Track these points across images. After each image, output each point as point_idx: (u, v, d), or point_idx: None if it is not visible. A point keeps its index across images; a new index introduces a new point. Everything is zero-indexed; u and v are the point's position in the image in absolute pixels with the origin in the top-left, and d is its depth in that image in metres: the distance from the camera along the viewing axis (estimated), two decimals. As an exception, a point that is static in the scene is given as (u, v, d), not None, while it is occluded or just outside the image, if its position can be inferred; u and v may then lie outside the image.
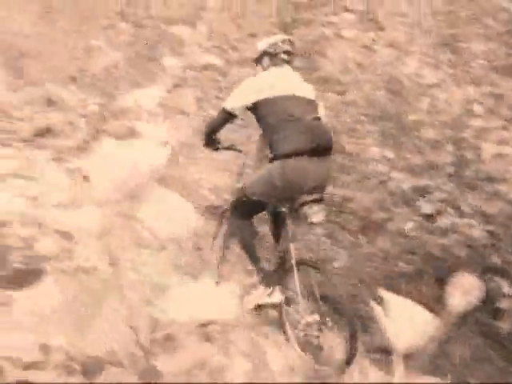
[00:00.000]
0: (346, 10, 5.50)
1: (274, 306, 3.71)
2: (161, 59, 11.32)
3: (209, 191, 7.27)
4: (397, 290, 3.94)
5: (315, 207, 3.49)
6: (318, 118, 3.65)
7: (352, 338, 3.17)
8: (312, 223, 3.52)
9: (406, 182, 3.69)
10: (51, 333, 2.16)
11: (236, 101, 3.62)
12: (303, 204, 3.48)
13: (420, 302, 3.73)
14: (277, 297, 3.67)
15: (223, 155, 7.96)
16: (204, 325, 2.69)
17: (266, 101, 3.51)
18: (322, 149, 3.48)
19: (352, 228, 4.45)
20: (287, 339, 3.62)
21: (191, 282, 2.90)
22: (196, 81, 7.96)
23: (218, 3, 8.72)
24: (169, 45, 11.28)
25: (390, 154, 3.99)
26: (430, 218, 3.58)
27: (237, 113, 3.63)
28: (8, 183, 4.55)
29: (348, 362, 3.24)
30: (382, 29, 5.14)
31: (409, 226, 3.71)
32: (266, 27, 7.17)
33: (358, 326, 3.27)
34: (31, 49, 15.35)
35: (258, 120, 3.62)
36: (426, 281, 3.80)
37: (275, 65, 3.84)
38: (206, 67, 9.50)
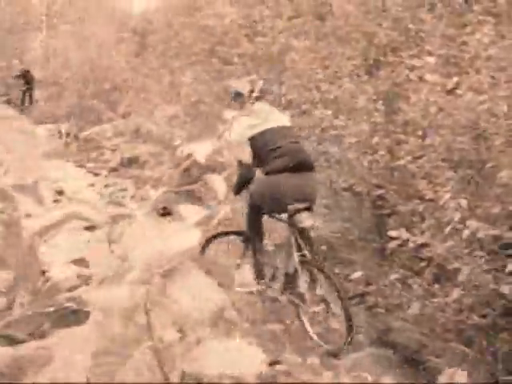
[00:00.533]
0: (430, 53, 5.45)
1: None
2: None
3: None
4: (469, 344, 3.79)
5: (305, 214, 4.16)
6: (297, 142, 4.44)
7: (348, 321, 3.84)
8: (303, 228, 4.23)
9: (482, 231, 3.59)
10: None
11: (236, 134, 4.16)
12: (296, 212, 4.15)
13: (494, 358, 3.59)
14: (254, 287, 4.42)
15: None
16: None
17: (259, 134, 4.20)
18: (302, 166, 4.24)
19: (426, 276, 4.35)
20: (307, 332, 4.23)
21: (224, 337, 2.91)
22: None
23: (302, 44, 8.85)
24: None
25: (468, 202, 3.90)
26: (505, 267, 3.45)
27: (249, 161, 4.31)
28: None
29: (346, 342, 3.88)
30: (465, 73, 5.05)
31: (485, 276, 3.59)
32: (349, 68, 7.21)
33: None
34: (123, 83, 16.16)
35: (252, 147, 4.25)
36: (502, 336, 3.64)
37: (251, 103, 4.37)
38: (289, 103, 9.65)
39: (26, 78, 20.06)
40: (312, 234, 4.65)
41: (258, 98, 4.34)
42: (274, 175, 4.14)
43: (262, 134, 4.21)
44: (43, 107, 21.09)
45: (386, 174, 5.68)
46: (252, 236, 4.50)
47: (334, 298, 4.03)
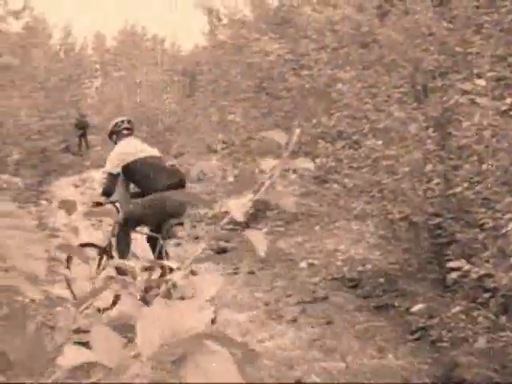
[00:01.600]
0: (479, 76, 5.32)
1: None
2: (294, 128, 11.62)
3: (342, 262, 7.20)
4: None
5: (179, 227, 5.42)
6: (172, 165, 5.69)
7: None
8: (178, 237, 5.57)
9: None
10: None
11: (115, 165, 5.42)
12: (171, 226, 5.27)
13: None
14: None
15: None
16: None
17: (134, 161, 5.35)
18: (176, 185, 5.26)
19: (491, 307, 4.16)
20: None
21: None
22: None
23: (349, 74, 8.82)
24: (303, 115, 11.58)
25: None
26: None
27: (116, 173, 5.42)
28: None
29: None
30: (519, 94, 4.90)
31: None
32: (397, 96, 7.12)
33: None
34: (175, 124, 16.51)
35: (128, 173, 5.40)
36: None
37: (121, 139, 5.68)
38: (339, 135, 9.61)
39: (81, 124, 20.81)
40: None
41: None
42: (157, 193, 5.18)
43: (138, 160, 5.38)
44: (99, 151, 21.75)
45: (442, 202, 5.52)
46: (121, 249, 5.45)
47: None
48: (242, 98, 11.69)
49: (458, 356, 4.35)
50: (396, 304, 5.73)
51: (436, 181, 5.55)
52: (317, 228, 8.77)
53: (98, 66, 32.31)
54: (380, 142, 6.21)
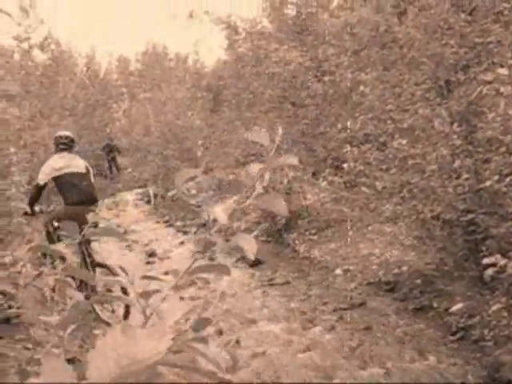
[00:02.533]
0: (501, 65, 5.20)
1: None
2: (321, 135, 11.56)
3: (378, 266, 7.10)
4: None
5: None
6: (88, 184, 6.30)
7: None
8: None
9: None
10: None
11: (43, 177, 6.15)
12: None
13: None
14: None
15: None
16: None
17: (59, 176, 6.12)
18: (87, 200, 6.07)
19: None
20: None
21: None
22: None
23: (370, 76, 8.73)
24: (329, 121, 11.51)
25: None
26: None
27: (43, 184, 6.15)
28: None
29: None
30: (545, 80, 4.77)
31: None
32: (420, 93, 7.01)
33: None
34: (203, 140, 16.58)
35: (56, 185, 6.23)
36: None
37: (56, 152, 6.42)
38: (366, 137, 9.51)
39: (110, 147, 21.11)
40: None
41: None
42: (70, 206, 6.05)
43: (63, 175, 6.15)
44: (131, 173, 22.01)
45: (473, 198, 5.40)
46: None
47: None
48: (266, 109, 11.68)
49: (502, 355, 4.23)
50: (435, 305, 5.61)
51: (465, 176, 5.43)
52: (350, 233, 8.67)
53: (124, 90, 32.77)
54: (405, 142, 6.11)
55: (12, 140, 10.07)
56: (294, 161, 1.11)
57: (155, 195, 16.69)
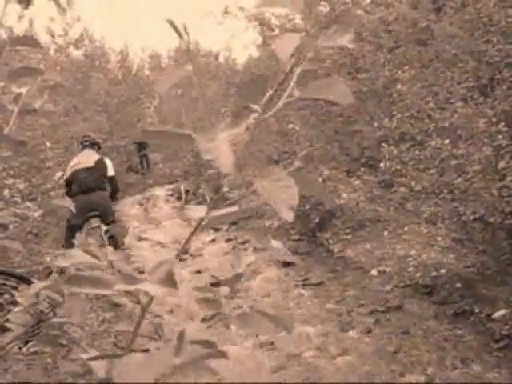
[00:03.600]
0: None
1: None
2: (355, 134, 11.41)
3: (414, 268, 6.94)
4: None
5: (94, 220, 7.10)
6: (92, 177, 7.17)
7: None
8: (93, 227, 7.09)
9: None
10: None
11: (66, 174, 7.34)
12: (89, 218, 7.09)
13: None
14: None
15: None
16: None
17: (73, 171, 7.25)
18: (87, 190, 7.07)
19: None
20: None
21: None
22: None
23: (408, 73, 8.55)
24: (363, 119, 11.35)
25: None
26: None
27: (67, 179, 7.29)
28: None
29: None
30: None
31: None
32: (461, 92, 6.84)
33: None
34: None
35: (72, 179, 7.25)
36: None
37: (81, 150, 7.70)
38: (402, 136, 9.33)
39: (141, 143, 21.20)
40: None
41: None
42: (76, 195, 6.89)
43: (75, 171, 7.22)
44: (162, 169, 22.09)
45: (519, 200, 5.22)
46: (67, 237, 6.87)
47: None
48: (299, 106, 11.56)
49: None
50: (476, 310, 5.44)
51: (510, 178, 5.25)
52: (385, 234, 8.49)
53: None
54: (447, 141, 5.94)
55: (47, 135, 10.17)
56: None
57: (186, 191, 16.70)
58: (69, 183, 7.27)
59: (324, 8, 14.40)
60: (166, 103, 29.75)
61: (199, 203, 15.18)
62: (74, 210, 6.34)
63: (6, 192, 4.41)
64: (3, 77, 1.36)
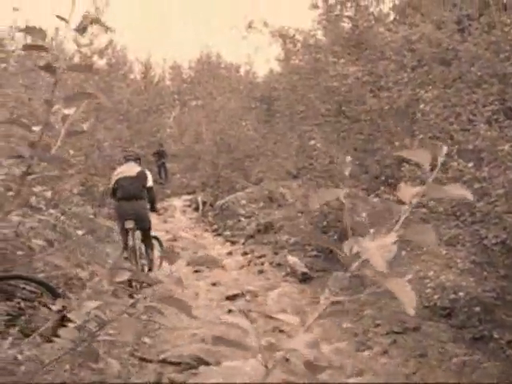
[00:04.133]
0: None
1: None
2: (376, 152, 11.38)
3: (432, 290, 6.88)
4: None
5: (130, 222, 7.58)
6: (135, 185, 7.82)
7: None
8: (128, 229, 7.56)
9: None
10: None
11: (112, 182, 8.05)
12: (128, 222, 7.61)
13: None
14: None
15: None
16: None
17: (117, 179, 7.88)
18: (131, 195, 7.71)
19: None
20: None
21: None
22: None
23: (430, 93, 8.55)
24: (384, 137, 11.33)
25: None
26: None
27: (112, 186, 8.01)
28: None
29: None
30: None
31: None
32: (486, 115, 6.82)
33: None
34: (254, 151, 16.57)
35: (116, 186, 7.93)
36: None
37: (123, 163, 8.34)
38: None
39: (160, 153, 21.33)
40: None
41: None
42: (118, 201, 7.79)
43: (119, 178, 7.86)
44: (180, 179, 22.19)
45: (542, 226, 5.18)
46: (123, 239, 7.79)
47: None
48: (320, 122, 11.59)
49: None
50: (495, 336, 5.38)
51: (535, 203, 5.22)
52: (403, 253, 8.45)
53: (176, 96, 33.16)
54: (470, 164, 5.91)
55: (70, 142, 10.27)
56: (467, 194, 0.97)
57: (204, 203, 16.76)
58: (114, 190, 7.97)
59: (346, 24, 14.46)
60: (185, 114, 29.94)
61: (216, 215, 15.23)
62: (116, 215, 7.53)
63: (33, 199, 4.48)
64: (58, 100, 1.40)
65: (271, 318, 6.81)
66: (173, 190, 20.93)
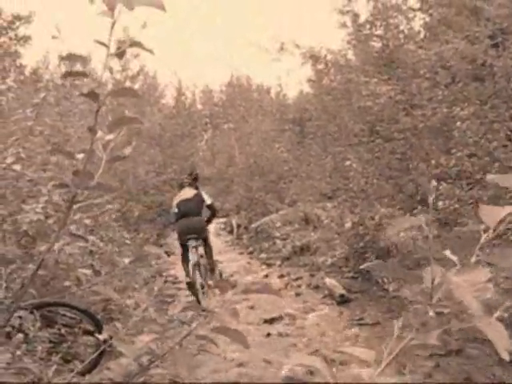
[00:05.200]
0: None
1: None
2: (410, 171, 11.25)
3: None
4: None
5: (193, 240, 8.67)
6: (191, 204, 8.94)
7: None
8: (191, 246, 8.61)
9: None
10: None
11: (174, 205, 9.10)
12: (189, 239, 8.68)
13: None
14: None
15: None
16: None
17: (177, 202, 8.98)
18: (191, 213, 8.80)
19: None
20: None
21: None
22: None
23: (466, 110, 8.43)
24: (419, 156, 11.20)
25: None
26: None
27: (174, 210, 9.06)
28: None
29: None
30: None
31: None
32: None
33: None
34: (288, 173, 16.56)
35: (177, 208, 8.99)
36: None
37: (182, 187, 9.44)
38: (458, 173, 9.17)
39: (194, 176, 21.44)
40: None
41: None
42: (180, 219, 8.90)
43: (179, 201, 8.97)
44: (214, 203, 22.24)
45: None
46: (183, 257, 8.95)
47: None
48: (354, 142, 11.52)
49: None
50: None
51: None
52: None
53: (207, 120, 33.48)
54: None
55: (105, 169, 10.40)
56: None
57: (238, 226, 16.76)
58: (174, 215, 9.04)
59: (376, 44, 14.42)
60: (217, 137, 30.17)
61: (251, 238, 15.20)
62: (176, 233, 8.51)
63: (73, 227, 4.53)
64: (102, 126, 1.39)
65: (341, 352, 6.71)
66: (206, 213, 21.00)
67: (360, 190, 9.61)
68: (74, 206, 1.52)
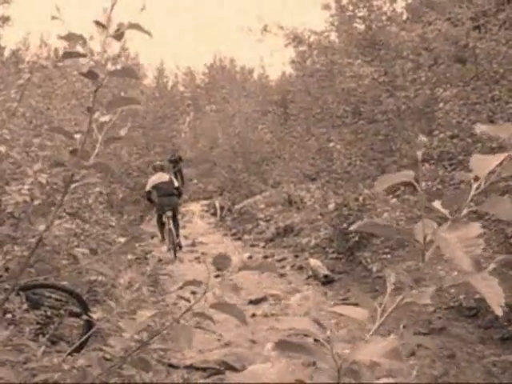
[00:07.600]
0: None
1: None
2: (393, 152, 11.33)
3: (456, 289, 6.81)
4: None
5: (169, 212, 11.72)
6: (172, 186, 11.91)
7: None
8: (167, 216, 11.73)
9: None
10: None
11: (148, 186, 11.68)
12: (166, 211, 11.77)
13: None
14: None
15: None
16: None
17: (154, 185, 11.32)
18: (168, 193, 11.75)
19: None
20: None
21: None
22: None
23: (449, 92, 8.48)
24: (401, 137, 11.26)
25: None
26: None
27: (148, 189, 11.76)
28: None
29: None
30: None
31: None
32: (509, 112, 6.75)
33: None
34: (271, 154, 16.59)
35: (155, 190, 11.64)
36: None
37: (156, 171, 12.34)
38: (441, 155, 9.23)
39: (176, 159, 21.34)
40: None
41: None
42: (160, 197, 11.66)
43: (156, 184, 11.30)
44: (196, 184, 22.22)
45: None
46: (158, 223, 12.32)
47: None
48: (337, 124, 11.54)
49: None
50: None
51: None
52: (426, 253, 8.39)
53: (190, 102, 33.26)
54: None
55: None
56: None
57: (222, 207, 16.77)
58: (148, 192, 11.77)
59: (359, 25, 14.38)
60: (199, 119, 30.01)
61: (234, 219, 15.22)
62: (156, 207, 12.25)
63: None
64: (100, 106, 1.39)
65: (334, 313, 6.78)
66: (190, 195, 20.97)
67: (343, 172, 9.66)
68: (73, 187, 1.53)
